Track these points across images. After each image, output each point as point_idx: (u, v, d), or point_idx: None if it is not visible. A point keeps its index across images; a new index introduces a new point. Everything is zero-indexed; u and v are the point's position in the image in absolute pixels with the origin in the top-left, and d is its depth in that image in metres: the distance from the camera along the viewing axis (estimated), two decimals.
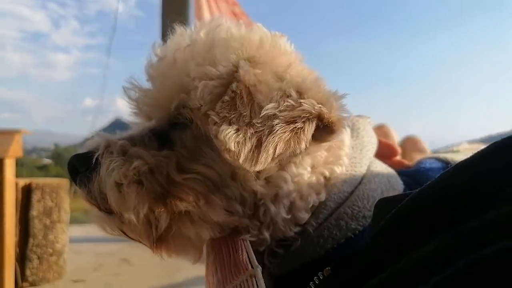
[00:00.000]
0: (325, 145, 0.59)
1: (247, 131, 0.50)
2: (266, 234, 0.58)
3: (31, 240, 2.62)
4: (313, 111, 0.51)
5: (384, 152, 0.78)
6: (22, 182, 2.64)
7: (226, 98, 0.53)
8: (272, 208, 0.57)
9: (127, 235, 0.60)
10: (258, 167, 0.50)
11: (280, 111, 0.50)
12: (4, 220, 2.16)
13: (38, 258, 2.65)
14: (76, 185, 0.58)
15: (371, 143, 0.71)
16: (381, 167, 0.67)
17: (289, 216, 0.58)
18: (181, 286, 2.73)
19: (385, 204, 0.46)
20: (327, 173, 0.61)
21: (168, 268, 2.88)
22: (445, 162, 0.74)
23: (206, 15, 3.59)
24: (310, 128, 0.51)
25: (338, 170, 0.61)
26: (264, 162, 0.50)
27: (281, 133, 0.49)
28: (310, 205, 0.59)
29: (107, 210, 0.58)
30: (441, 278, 0.28)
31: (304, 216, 0.58)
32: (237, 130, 0.50)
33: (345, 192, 0.60)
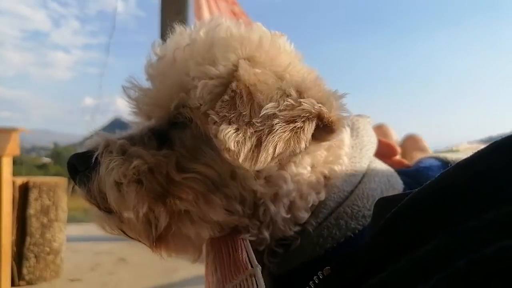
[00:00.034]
0: (325, 144, 0.59)
1: (247, 130, 0.50)
2: (266, 234, 0.58)
3: (28, 239, 2.61)
4: (313, 111, 0.51)
5: (384, 152, 0.78)
6: (20, 180, 2.64)
7: (226, 97, 0.53)
8: (272, 207, 0.57)
9: (127, 235, 0.60)
10: (258, 167, 0.50)
11: (280, 111, 0.50)
12: (1, 218, 2.16)
13: (35, 256, 2.64)
14: (75, 184, 0.58)
15: (371, 143, 0.71)
16: (381, 167, 0.68)
17: (288, 216, 0.58)
18: (178, 286, 2.72)
19: (385, 204, 0.46)
20: (327, 173, 0.61)
21: (165, 268, 2.88)
22: (445, 162, 0.74)
23: (206, 14, 3.59)
24: (310, 128, 0.51)
25: (338, 169, 0.61)
26: (264, 161, 0.50)
27: (281, 132, 0.49)
28: (310, 205, 0.59)
29: (106, 209, 0.58)
30: (441, 277, 0.28)
31: (304, 215, 0.58)
32: (237, 129, 0.50)
33: (345, 192, 0.60)
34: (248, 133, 0.50)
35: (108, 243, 3.56)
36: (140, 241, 0.60)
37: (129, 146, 0.58)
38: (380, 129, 0.91)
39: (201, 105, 0.55)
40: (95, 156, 0.56)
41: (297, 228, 0.59)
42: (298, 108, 0.50)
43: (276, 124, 0.49)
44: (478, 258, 0.26)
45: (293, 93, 0.52)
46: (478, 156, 0.37)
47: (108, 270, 2.95)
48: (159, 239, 0.58)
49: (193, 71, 0.56)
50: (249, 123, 0.50)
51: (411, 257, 0.34)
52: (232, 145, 0.49)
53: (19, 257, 2.58)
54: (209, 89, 0.54)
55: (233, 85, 0.53)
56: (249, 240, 0.57)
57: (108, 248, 3.46)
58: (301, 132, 0.50)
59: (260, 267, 0.52)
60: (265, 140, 0.49)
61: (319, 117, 0.51)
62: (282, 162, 0.56)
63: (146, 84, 0.66)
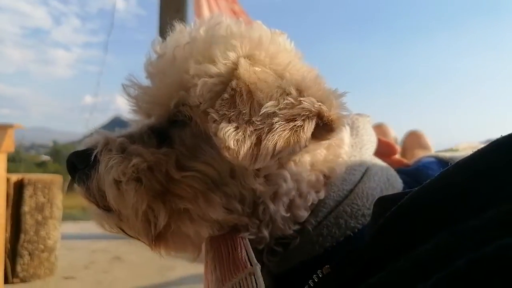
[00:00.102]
0: (324, 143, 0.59)
1: (247, 129, 0.50)
2: (265, 232, 0.58)
3: (22, 236, 2.60)
4: (313, 109, 0.51)
5: (384, 151, 0.78)
6: (15, 177, 2.62)
7: (226, 96, 0.53)
8: (272, 206, 0.57)
9: (126, 233, 0.60)
10: (258, 165, 0.50)
11: (279, 109, 0.50)
12: None
13: (29, 254, 2.62)
14: (75, 182, 0.58)
15: (371, 142, 0.71)
16: (380, 166, 0.67)
17: (288, 214, 0.58)
18: (174, 285, 2.72)
19: (384, 203, 0.46)
20: (326, 171, 0.61)
21: (161, 266, 2.87)
22: (445, 161, 0.74)
23: (206, 13, 3.58)
24: (309, 126, 0.51)
25: (337, 168, 0.61)
26: (264, 160, 0.49)
27: (281, 131, 0.49)
28: (309, 203, 0.59)
29: (105, 207, 0.58)
30: (441, 276, 0.28)
31: (303, 214, 0.58)
32: (237, 128, 0.50)
33: (344, 191, 0.60)
34: (248, 132, 0.50)
35: (104, 241, 3.54)
36: (139, 239, 0.60)
37: (128, 144, 0.58)
38: (379, 128, 0.91)
39: (201, 103, 0.55)
40: (94, 154, 0.56)
41: (296, 227, 0.59)
42: (298, 106, 0.50)
43: (276, 122, 0.49)
44: (478, 257, 0.26)
45: (293, 91, 0.52)
46: (478, 155, 0.37)
47: (103, 269, 2.94)
48: (158, 238, 0.58)
49: (193, 69, 0.56)
50: (249, 122, 0.50)
51: (410, 256, 0.34)
52: (231, 144, 0.49)
53: (13, 254, 2.56)
54: (209, 87, 0.54)
55: (233, 83, 0.53)
56: (248, 238, 0.57)
57: (103, 246, 3.45)
58: (301, 130, 0.50)
59: (260, 266, 0.52)
60: (264, 138, 0.49)
61: (319, 115, 0.51)
62: (282, 160, 0.56)
63: (145, 82, 0.66)
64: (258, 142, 0.49)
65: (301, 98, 0.51)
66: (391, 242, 0.39)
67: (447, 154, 0.77)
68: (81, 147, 0.59)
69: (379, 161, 0.70)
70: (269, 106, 0.50)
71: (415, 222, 0.38)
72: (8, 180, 2.49)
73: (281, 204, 0.57)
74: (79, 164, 0.57)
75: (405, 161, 0.83)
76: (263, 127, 0.50)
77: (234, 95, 0.52)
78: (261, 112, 0.50)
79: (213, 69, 0.55)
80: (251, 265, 0.52)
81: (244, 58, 0.56)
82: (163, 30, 0.67)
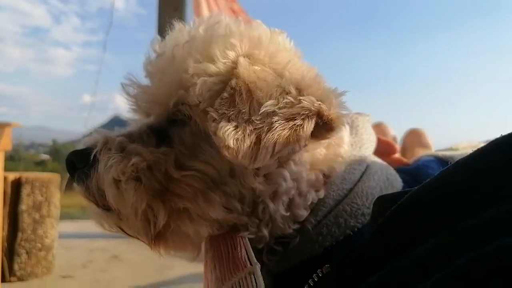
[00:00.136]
0: (324, 142, 0.59)
1: (246, 128, 0.50)
2: (265, 232, 0.58)
3: (19, 235, 2.59)
4: (313, 108, 0.50)
5: (383, 150, 0.78)
6: (12, 176, 2.61)
7: (225, 95, 0.53)
8: (271, 205, 0.56)
9: (125, 232, 0.60)
10: (257, 164, 0.50)
11: (279, 108, 0.50)
12: None
13: (27, 252, 2.61)
14: (74, 181, 0.58)
15: (370, 141, 0.71)
16: (380, 165, 0.67)
17: (288, 214, 0.58)
18: (172, 284, 2.71)
19: (384, 202, 0.46)
20: (326, 170, 0.61)
21: (160, 265, 2.86)
22: (444, 160, 0.74)
23: (205, 12, 3.58)
24: (309, 125, 0.50)
25: (337, 167, 0.61)
26: (263, 159, 0.49)
27: (280, 130, 0.49)
28: (309, 203, 0.59)
29: (105, 206, 0.57)
30: (441, 276, 0.28)
31: (303, 213, 0.58)
32: (236, 127, 0.50)
33: (344, 190, 0.60)
34: (248, 131, 0.50)
35: (102, 240, 3.53)
36: (138, 238, 0.60)
37: (128, 143, 0.58)
38: (378, 128, 0.91)
39: (200, 102, 0.55)
40: (93, 153, 0.56)
41: (296, 226, 0.59)
42: (298, 105, 0.50)
43: (275, 121, 0.49)
44: (478, 256, 0.26)
45: (293, 90, 0.52)
46: (478, 155, 0.37)
47: (101, 267, 2.93)
48: (157, 237, 0.58)
49: (192, 68, 0.56)
50: (249, 121, 0.50)
51: (410, 255, 0.34)
52: (231, 143, 0.49)
53: (10, 253, 2.55)
54: (208, 86, 0.54)
55: (233, 82, 0.53)
56: (248, 238, 0.56)
57: (102, 245, 3.44)
58: (301, 129, 0.50)
59: (259, 265, 0.52)
60: (264, 137, 0.49)
61: (319, 114, 0.51)
62: (282, 159, 0.56)
63: (145, 81, 0.66)
64: (258, 141, 0.49)
65: (301, 97, 0.51)
66: (391, 242, 0.39)
67: (447, 153, 0.77)
68: (80, 146, 0.59)
69: (378, 160, 0.70)
70: (268, 105, 0.50)
71: (415, 222, 0.38)
72: (5, 178, 2.48)
73: (280, 203, 0.57)
74: (78, 163, 0.57)
75: (404, 160, 0.83)
76: (262, 126, 0.50)
77: (233, 94, 0.52)
78: (260, 111, 0.50)
79: (213, 68, 0.55)
80: (250, 264, 0.52)
81: (244, 57, 0.56)
82: (162, 29, 0.66)
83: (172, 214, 0.56)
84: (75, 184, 0.58)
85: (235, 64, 0.55)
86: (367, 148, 0.69)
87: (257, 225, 0.58)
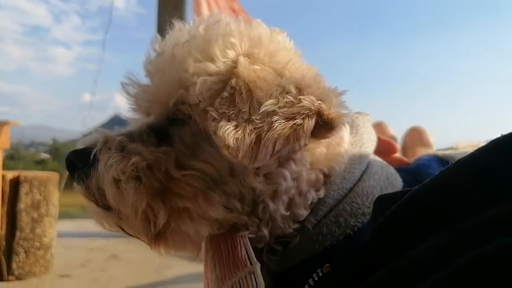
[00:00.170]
0: (324, 141, 0.59)
1: (246, 127, 0.50)
2: (265, 231, 0.58)
3: (18, 233, 2.57)
4: (313, 108, 0.50)
5: (384, 149, 0.78)
6: (10, 174, 2.60)
7: (225, 94, 0.52)
8: (271, 205, 0.56)
9: (125, 231, 0.60)
10: (257, 164, 0.50)
11: (279, 108, 0.50)
12: None
13: (25, 251, 2.60)
14: (74, 181, 0.58)
15: (371, 140, 0.71)
16: (380, 164, 0.67)
17: (288, 213, 0.58)
18: (170, 283, 2.70)
19: (384, 201, 0.46)
20: (326, 170, 0.61)
21: (158, 265, 2.86)
22: (445, 159, 0.74)
23: (205, 11, 3.58)
24: (309, 125, 0.50)
25: (337, 167, 0.61)
26: (263, 158, 0.49)
27: (280, 129, 0.49)
28: (309, 202, 0.59)
29: (105, 206, 0.57)
30: (441, 275, 0.28)
31: (303, 213, 0.58)
32: (236, 126, 0.50)
33: (344, 189, 0.60)
34: (248, 130, 0.49)
35: (101, 239, 3.52)
36: (139, 238, 0.60)
37: (128, 142, 0.57)
38: (378, 127, 0.91)
39: (200, 101, 0.55)
40: (93, 152, 0.56)
41: (296, 226, 0.59)
42: (298, 105, 0.50)
43: (275, 121, 0.49)
44: (479, 256, 0.26)
45: (293, 90, 0.52)
46: (478, 154, 0.37)
47: (100, 267, 2.92)
48: (158, 236, 0.58)
49: (192, 68, 0.56)
50: (249, 120, 0.50)
51: (410, 255, 0.34)
52: (231, 142, 0.49)
53: (8, 252, 2.54)
54: (208, 85, 0.54)
55: (233, 81, 0.53)
56: (248, 237, 0.56)
57: (101, 245, 3.42)
58: (301, 129, 0.50)
59: (259, 265, 0.52)
60: (264, 137, 0.49)
61: (319, 114, 0.51)
62: (282, 159, 0.56)
63: (145, 80, 0.66)
64: (258, 140, 0.49)
65: (301, 97, 0.51)
66: (391, 241, 0.39)
67: (448, 153, 0.77)
68: (80, 146, 0.59)
69: (379, 160, 0.70)
70: (268, 105, 0.50)
71: (415, 221, 0.38)
72: (3, 177, 2.47)
73: (280, 202, 0.57)
74: (78, 162, 0.57)
75: (405, 159, 0.83)
76: (262, 126, 0.49)
77: (233, 94, 0.52)
78: (260, 111, 0.50)
79: (212, 68, 0.55)
80: (250, 263, 0.52)
81: (244, 56, 0.55)
82: (162, 28, 0.66)
83: (172, 213, 0.56)
84: (75, 184, 0.58)
85: (235, 63, 0.55)
86: (368, 147, 0.69)
87: (257, 225, 0.58)
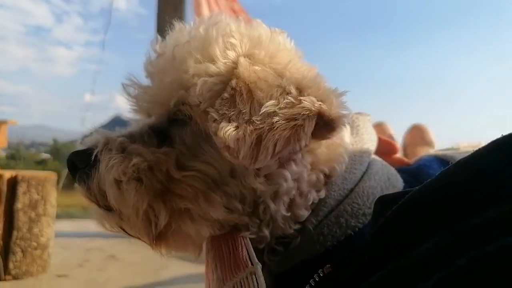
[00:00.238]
0: (325, 142, 0.59)
1: (247, 128, 0.50)
2: (266, 232, 0.58)
3: (15, 233, 2.57)
4: (313, 108, 0.50)
5: (384, 149, 0.78)
6: (8, 174, 2.59)
7: (226, 95, 0.53)
8: (272, 205, 0.56)
9: (127, 232, 0.60)
10: (258, 165, 0.50)
11: (280, 108, 0.50)
12: None
13: (22, 251, 2.59)
14: (75, 182, 0.58)
15: (371, 141, 0.71)
16: (381, 165, 0.67)
17: (288, 214, 0.58)
18: (168, 284, 2.70)
19: (385, 202, 0.46)
20: (327, 170, 0.61)
21: (156, 265, 2.86)
22: (446, 160, 0.74)
23: (205, 11, 3.58)
24: (310, 125, 0.50)
25: (338, 167, 0.61)
26: (264, 159, 0.49)
27: (281, 130, 0.49)
28: (310, 203, 0.59)
29: (106, 207, 0.57)
30: (442, 275, 0.28)
31: (304, 213, 0.58)
32: (237, 127, 0.50)
33: (345, 190, 0.60)
34: (248, 131, 0.49)
35: (99, 239, 3.51)
36: (140, 239, 0.60)
37: (128, 143, 0.58)
38: (378, 127, 0.90)
39: (200, 102, 0.55)
40: (94, 153, 0.56)
41: (297, 226, 0.59)
42: (298, 106, 0.50)
43: (276, 122, 0.49)
44: (480, 256, 0.26)
45: (293, 90, 0.52)
46: (479, 154, 0.37)
47: (97, 267, 2.91)
48: (159, 237, 0.58)
49: (192, 69, 0.56)
50: (249, 121, 0.50)
51: (411, 255, 0.34)
52: (232, 143, 0.49)
53: (5, 251, 2.53)
54: (209, 86, 0.54)
55: (233, 82, 0.53)
56: (249, 238, 0.56)
57: (99, 245, 3.41)
58: (301, 130, 0.50)
59: (261, 265, 0.52)
60: (265, 138, 0.49)
61: (319, 115, 0.51)
62: (282, 160, 0.56)
63: (145, 81, 0.66)
64: (258, 141, 0.49)
65: (301, 97, 0.51)
66: (392, 241, 0.39)
67: (448, 153, 0.77)
68: (81, 147, 0.59)
69: (379, 160, 0.70)
70: (269, 106, 0.50)
71: (416, 221, 0.38)
72: (1, 176, 2.47)
73: (281, 203, 0.57)
74: (79, 163, 0.57)
75: (405, 160, 0.83)
76: (263, 127, 0.49)
77: (234, 95, 0.52)
78: (261, 112, 0.50)
79: (213, 68, 0.55)
80: (252, 264, 0.52)
81: (244, 57, 0.55)
82: (162, 29, 0.66)
83: (173, 214, 0.56)
84: (76, 184, 0.58)
85: (235, 64, 0.55)
86: (368, 148, 0.69)
87: (258, 225, 0.58)
